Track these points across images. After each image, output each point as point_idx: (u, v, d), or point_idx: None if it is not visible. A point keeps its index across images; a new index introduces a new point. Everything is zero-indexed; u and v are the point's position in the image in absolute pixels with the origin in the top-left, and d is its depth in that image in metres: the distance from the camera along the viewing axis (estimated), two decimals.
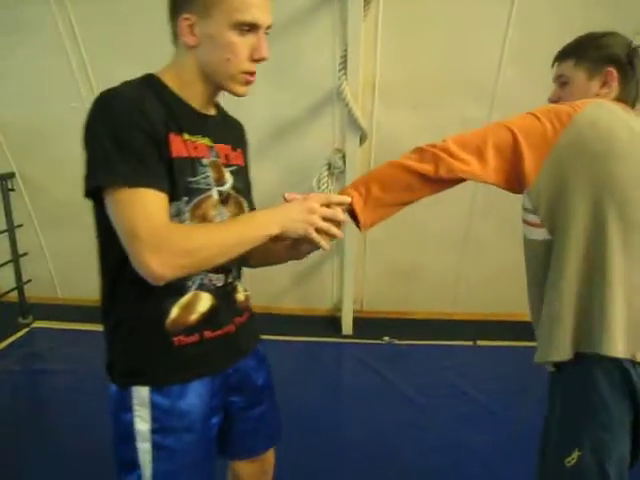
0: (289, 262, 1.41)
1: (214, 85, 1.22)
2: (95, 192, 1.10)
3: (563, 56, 1.50)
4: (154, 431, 1.21)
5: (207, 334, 1.24)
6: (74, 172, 3.61)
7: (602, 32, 1.45)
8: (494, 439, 2.45)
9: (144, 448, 1.22)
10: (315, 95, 2.92)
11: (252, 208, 1.42)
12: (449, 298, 3.65)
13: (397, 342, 3.38)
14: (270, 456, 1.63)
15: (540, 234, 1.34)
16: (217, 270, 1.24)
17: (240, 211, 1.33)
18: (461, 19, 2.62)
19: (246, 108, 3.03)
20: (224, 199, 1.26)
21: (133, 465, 1.23)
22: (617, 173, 1.20)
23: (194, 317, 1.21)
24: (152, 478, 1.23)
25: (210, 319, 1.24)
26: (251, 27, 1.13)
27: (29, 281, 3.72)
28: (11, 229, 3.50)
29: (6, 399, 2.75)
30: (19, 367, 3.09)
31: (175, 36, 1.19)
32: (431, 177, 1.26)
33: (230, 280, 1.31)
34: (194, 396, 1.25)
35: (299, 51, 2.80)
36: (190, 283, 1.20)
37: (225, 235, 1.12)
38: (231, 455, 1.56)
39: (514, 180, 1.26)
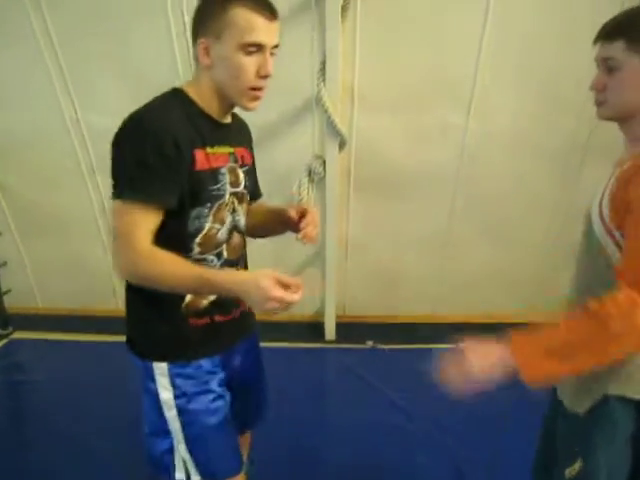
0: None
1: (228, 101, 1.35)
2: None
3: (610, 35, 1.23)
4: (177, 397, 1.38)
5: (217, 318, 1.43)
6: (53, 180, 3.60)
7: None
8: (478, 441, 2.47)
9: (171, 416, 1.39)
10: (295, 101, 2.93)
11: (254, 198, 1.63)
12: (431, 301, 3.68)
13: (380, 346, 3.40)
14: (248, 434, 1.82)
15: None
16: (228, 263, 1.43)
17: (248, 206, 1.54)
18: (438, 26, 2.66)
19: None
20: (240, 198, 1.45)
21: (165, 433, 1.41)
22: None
23: (205, 302, 1.39)
24: (185, 443, 1.40)
25: (220, 305, 1.42)
26: (257, 47, 1.27)
27: (9, 291, 3.67)
28: None
29: None
30: None
31: (195, 57, 1.32)
32: None
33: (237, 269, 1.50)
34: (209, 366, 1.44)
35: (278, 58, 2.81)
36: None
37: (185, 279, 1.23)
38: None
39: None
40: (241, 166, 1.45)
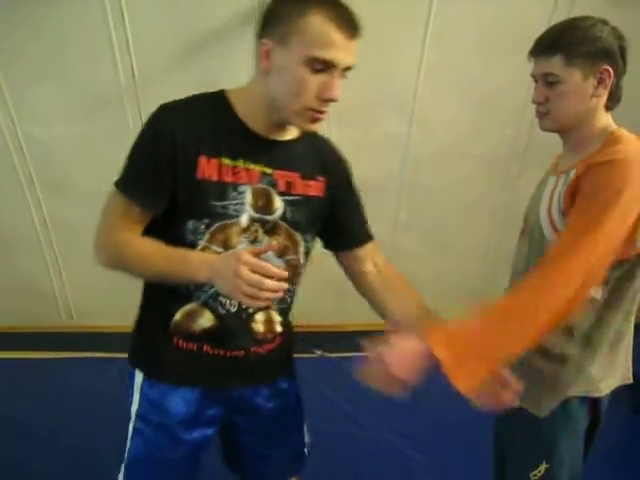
0: None
1: (278, 115, 1.17)
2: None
3: (548, 51, 1.26)
4: (137, 414, 1.34)
5: (206, 348, 1.30)
6: None
7: (588, 19, 1.25)
8: (428, 445, 2.51)
9: (131, 427, 1.35)
10: None
11: (354, 243, 1.56)
12: None
13: (329, 355, 3.41)
14: None
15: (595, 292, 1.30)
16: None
17: (294, 245, 1.32)
18: (379, 40, 2.70)
19: None
20: (269, 228, 1.25)
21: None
22: None
23: (196, 328, 1.27)
24: (127, 455, 1.35)
25: (213, 336, 1.29)
26: (326, 65, 1.08)
27: None
28: None
29: None
30: None
31: (256, 58, 1.16)
32: None
33: (245, 308, 1.28)
34: (180, 399, 1.32)
35: (221, 70, 2.81)
36: (198, 294, 1.24)
37: (154, 262, 1.17)
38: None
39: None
40: (282, 193, 1.24)
